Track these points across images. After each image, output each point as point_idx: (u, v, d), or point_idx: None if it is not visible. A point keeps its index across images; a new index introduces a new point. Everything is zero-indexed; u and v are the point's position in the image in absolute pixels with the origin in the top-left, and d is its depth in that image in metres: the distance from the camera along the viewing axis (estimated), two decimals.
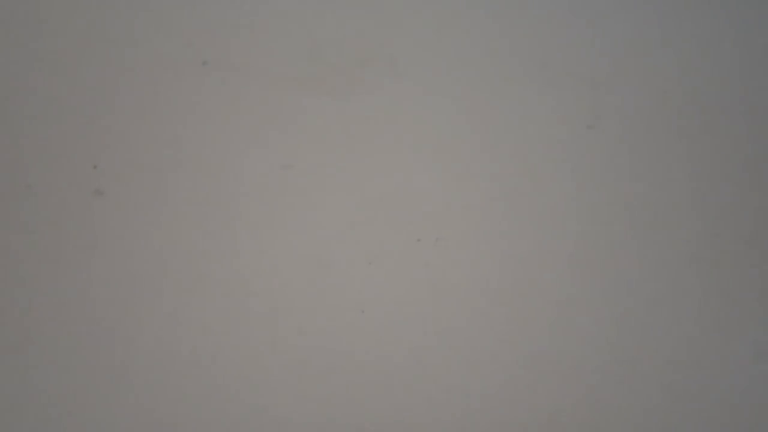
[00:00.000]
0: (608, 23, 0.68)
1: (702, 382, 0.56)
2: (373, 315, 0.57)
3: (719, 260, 0.60)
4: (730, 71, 0.67)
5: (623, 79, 0.66)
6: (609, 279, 0.59)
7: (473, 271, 0.59)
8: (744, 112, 0.65)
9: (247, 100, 0.64)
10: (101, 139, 0.61)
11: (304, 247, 0.59)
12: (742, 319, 0.58)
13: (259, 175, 0.61)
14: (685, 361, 0.57)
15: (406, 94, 0.64)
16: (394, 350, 0.56)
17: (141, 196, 0.60)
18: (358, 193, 0.61)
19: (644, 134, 0.64)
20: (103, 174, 0.60)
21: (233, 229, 0.59)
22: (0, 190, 0.59)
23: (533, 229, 0.60)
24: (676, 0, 0.69)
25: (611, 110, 0.64)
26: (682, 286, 0.59)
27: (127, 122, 0.62)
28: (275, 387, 0.55)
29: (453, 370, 0.56)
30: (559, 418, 0.55)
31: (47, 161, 0.60)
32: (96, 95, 0.63)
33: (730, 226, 0.61)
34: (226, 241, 0.59)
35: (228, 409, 0.54)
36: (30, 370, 0.55)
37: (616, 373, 0.56)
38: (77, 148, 0.61)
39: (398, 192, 0.61)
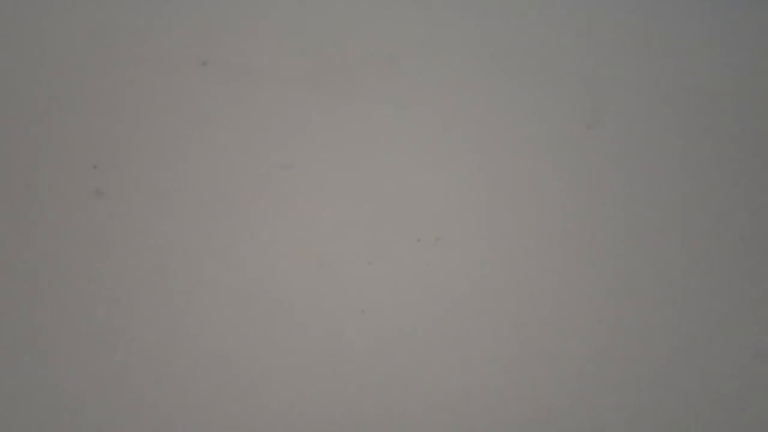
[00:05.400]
0: (608, 23, 0.68)
1: (702, 382, 0.56)
2: (373, 315, 0.57)
3: (719, 260, 0.60)
4: (730, 71, 0.67)
5: (623, 79, 0.66)
6: (609, 279, 0.59)
7: (473, 271, 0.59)
8: (744, 112, 0.65)
9: (247, 100, 0.64)
10: (101, 139, 0.61)
11: (304, 247, 0.59)
12: (742, 319, 0.58)
13: (259, 175, 0.61)
14: (685, 361, 0.57)
15: (406, 94, 0.64)
16: (394, 350, 0.56)
17: (141, 196, 0.60)
18: (358, 193, 0.61)
19: (644, 134, 0.64)
20: (103, 174, 0.60)
21: (233, 229, 0.59)
22: (0, 190, 0.59)
23: (533, 229, 0.60)
24: (676, 0, 0.69)
25: (611, 110, 0.64)
26: (682, 286, 0.59)
27: (127, 122, 0.62)
28: (275, 387, 0.55)
29: (453, 370, 0.56)
30: (558, 418, 0.55)
31: (47, 161, 0.60)
32: (96, 95, 0.63)
33: (730, 226, 0.61)
34: (226, 241, 0.59)
35: (228, 408, 0.54)
36: (30, 370, 0.55)
37: (616, 373, 0.56)
38: (77, 148, 0.61)
39: (398, 192, 0.61)
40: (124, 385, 0.55)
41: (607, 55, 0.67)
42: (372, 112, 0.64)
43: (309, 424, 0.54)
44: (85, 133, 0.61)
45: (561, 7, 0.68)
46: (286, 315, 0.57)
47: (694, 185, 0.62)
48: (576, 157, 0.63)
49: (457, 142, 0.63)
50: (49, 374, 0.55)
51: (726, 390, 0.56)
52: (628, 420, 0.55)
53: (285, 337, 0.56)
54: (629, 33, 0.68)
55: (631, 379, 0.56)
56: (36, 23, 0.65)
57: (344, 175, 0.61)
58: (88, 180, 0.60)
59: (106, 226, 0.59)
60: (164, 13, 0.66)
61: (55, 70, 0.64)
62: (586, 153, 0.63)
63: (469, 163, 0.62)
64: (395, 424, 0.55)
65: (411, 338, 0.57)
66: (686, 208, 0.61)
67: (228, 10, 0.67)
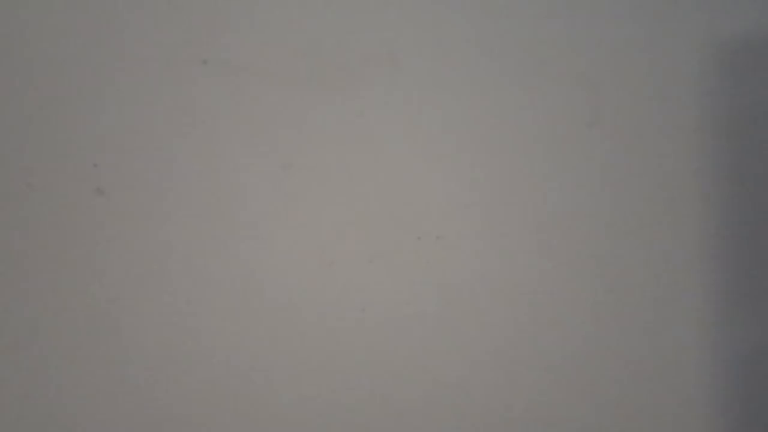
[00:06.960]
0: (608, 23, 0.68)
1: (702, 382, 0.56)
2: (374, 313, 0.57)
3: (720, 260, 0.60)
4: (730, 71, 0.67)
5: (623, 79, 0.66)
6: (608, 277, 0.59)
7: (473, 269, 0.59)
8: (744, 112, 0.65)
9: (247, 100, 0.64)
10: (101, 138, 0.61)
11: (305, 245, 0.59)
12: (742, 319, 0.58)
13: (259, 174, 0.61)
14: (685, 361, 0.57)
15: (406, 93, 0.64)
16: (395, 349, 0.56)
17: (141, 195, 0.60)
18: (359, 192, 0.61)
19: (644, 133, 0.64)
20: (104, 173, 0.60)
21: (233, 228, 0.59)
22: (0, 189, 0.59)
23: (533, 228, 0.60)
24: (676, 1, 0.69)
25: (611, 109, 0.65)
26: (682, 285, 0.59)
27: (128, 121, 0.62)
28: (276, 384, 0.55)
29: (453, 368, 0.56)
30: (559, 417, 0.55)
31: (48, 160, 0.60)
32: (96, 94, 0.63)
33: (730, 226, 0.61)
34: (226, 240, 0.59)
35: (228, 407, 0.54)
36: (31, 368, 0.55)
37: (616, 372, 0.56)
38: (78, 147, 0.61)
39: (399, 190, 0.61)
40: (124, 383, 0.55)
41: (607, 55, 0.67)
42: (372, 112, 0.64)
43: (309, 422, 0.54)
44: (85, 132, 0.61)
45: (561, 6, 0.68)
46: (286, 313, 0.57)
47: (693, 184, 0.62)
48: (576, 156, 0.63)
49: (457, 141, 0.63)
50: (48, 373, 0.55)
51: (726, 390, 0.56)
52: (626, 417, 0.55)
53: (285, 335, 0.56)
54: (629, 33, 0.68)
55: (632, 379, 0.56)
56: (36, 23, 0.65)
57: (344, 174, 0.61)
58: (89, 178, 0.60)
59: (107, 225, 0.59)
60: (164, 13, 0.66)
61: (56, 70, 0.64)
62: (586, 152, 0.63)
63: (469, 162, 0.62)
64: (396, 420, 0.55)
65: (412, 336, 0.57)
66: (686, 206, 0.61)
67: (228, 10, 0.67)
